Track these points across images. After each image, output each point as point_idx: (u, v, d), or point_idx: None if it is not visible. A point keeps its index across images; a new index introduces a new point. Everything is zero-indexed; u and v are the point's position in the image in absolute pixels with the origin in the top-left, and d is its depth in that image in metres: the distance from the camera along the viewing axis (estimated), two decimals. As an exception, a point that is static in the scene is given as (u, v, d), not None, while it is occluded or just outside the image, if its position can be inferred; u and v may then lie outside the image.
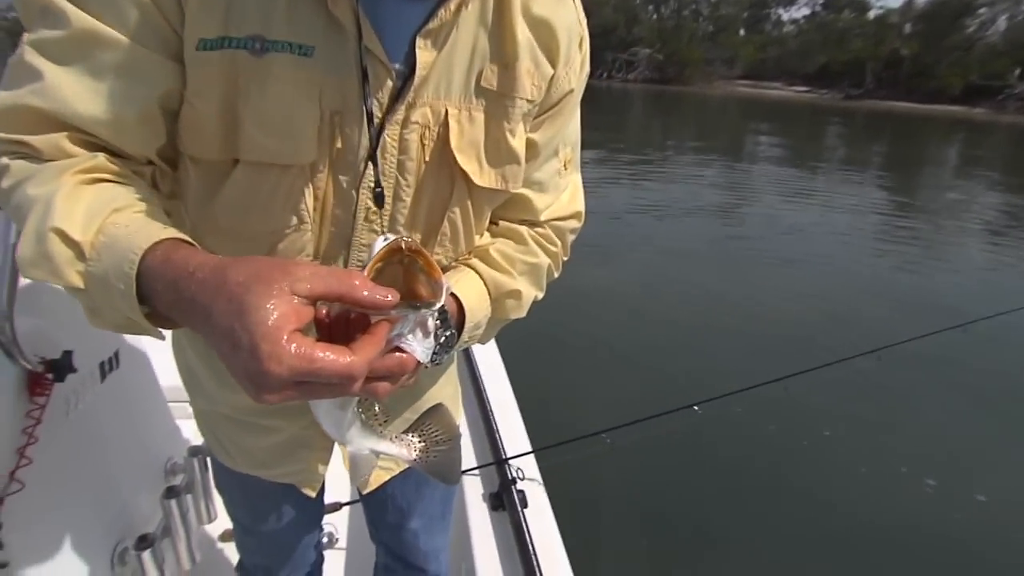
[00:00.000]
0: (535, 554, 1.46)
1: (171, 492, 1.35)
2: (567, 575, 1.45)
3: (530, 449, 1.81)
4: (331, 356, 0.48)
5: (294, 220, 0.74)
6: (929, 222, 10.02)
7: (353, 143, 0.72)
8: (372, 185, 0.75)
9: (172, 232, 0.58)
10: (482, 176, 0.80)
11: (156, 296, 0.55)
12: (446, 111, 0.75)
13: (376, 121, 0.72)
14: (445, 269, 0.90)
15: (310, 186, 0.73)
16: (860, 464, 3.35)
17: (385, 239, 0.72)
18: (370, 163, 0.74)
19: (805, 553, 2.74)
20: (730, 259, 7.02)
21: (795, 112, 37.16)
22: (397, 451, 0.71)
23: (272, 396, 0.48)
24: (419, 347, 0.60)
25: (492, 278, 0.87)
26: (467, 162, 0.78)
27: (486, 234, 0.91)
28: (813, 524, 2.91)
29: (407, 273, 0.59)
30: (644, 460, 3.04)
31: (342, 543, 1.89)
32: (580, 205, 0.99)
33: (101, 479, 1.25)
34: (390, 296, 0.52)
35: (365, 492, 1.13)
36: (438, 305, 0.58)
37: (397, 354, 0.59)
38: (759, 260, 7.07)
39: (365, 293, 0.51)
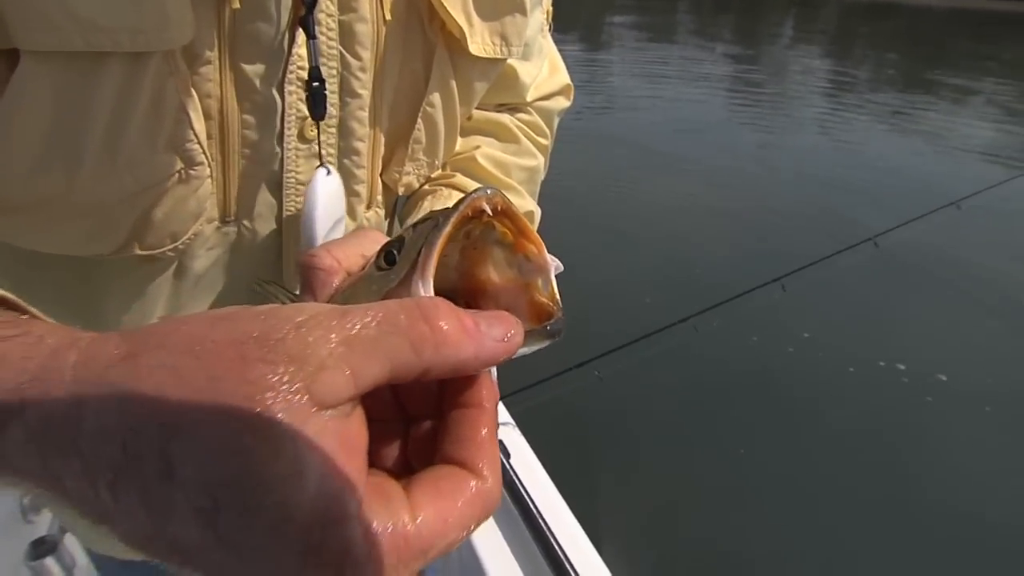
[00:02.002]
0: (536, 507, 1.31)
1: (40, 547, 1.03)
2: (574, 525, 1.34)
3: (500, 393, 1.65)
4: (456, 513, 0.23)
5: (174, 162, 0.44)
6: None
7: None
8: (305, 77, 0.47)
9: None
10: (474, 38, 0.54)
11: None
12: None
13: None
14: (417, 194, 0.64)
15: (192, 92, 0.43)
16: (848, 364, 3.38)
17: (328, 172, 0.51)
18: (298, 34, 0.46)
19: (803, 457, 2.74)
20: (701, 165, 6.70)
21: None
22: None
23: None
24: None
25: None
26: (455, 13, 0.52)
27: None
28: (810, 424, 2.93)
29: (469, 250, 0.33)
30: (627, 388, 2.83)
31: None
32: (566, 75, 0.76)
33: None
34: (513, 332, 0.26)
35: None
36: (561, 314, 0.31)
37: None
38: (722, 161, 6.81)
39: (470, 348, 0.24)
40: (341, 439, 0.21)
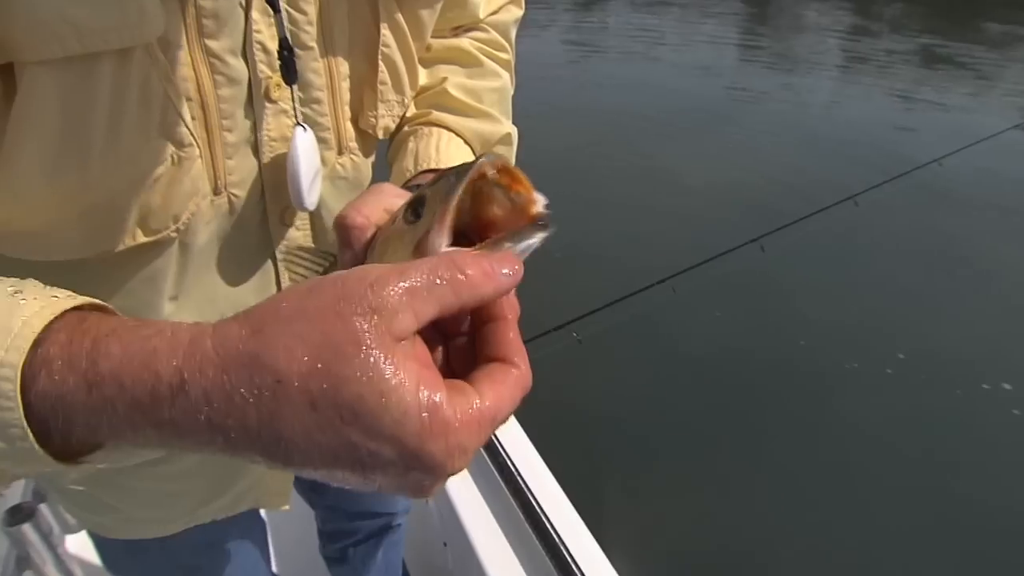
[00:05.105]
0: (518, 471, 1.41)
1: (16, 514, 1.07)
2: (554, 487, 1.43)
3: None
4: (508, 393, 0.34)
5: (166, 147, 0.50)
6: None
7: None
8: (265, 43, 0.53)
9: (38, 293, 0.34)
10: None
11: (84, 432, 0.32)
12: None
13: None
14: (399, 136, 0.70)
15: (172, 78, 0.49)
16: (826, 324, 3.52)
17: (305, 129, 0.58)
18: (253, 3, 0.51)
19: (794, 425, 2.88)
20: (673, 126, 6.73)
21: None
22: None
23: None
24: None
25: (472, 130, 0.70)
26: None
27: (421, 72, 0.73)
28: (787, 385, 3.07)
29: (477, 195, 0.42)
30: (606, 351, 2.95)
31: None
32: None
33: None
34: (517, 267, 0.36)
35: None
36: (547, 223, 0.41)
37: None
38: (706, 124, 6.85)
39: (490, 286, 0.34)
40: (417, 357, 0.32)
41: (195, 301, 0.61)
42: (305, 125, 0.58)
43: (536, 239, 0.39)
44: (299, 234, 0.65)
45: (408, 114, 0.70)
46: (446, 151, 0.66)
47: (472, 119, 0.71)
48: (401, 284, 0.31)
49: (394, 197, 0.48)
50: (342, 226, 0.46)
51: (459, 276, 0.33)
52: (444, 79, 0.71)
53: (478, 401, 0.32)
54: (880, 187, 2.49)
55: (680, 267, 1.88)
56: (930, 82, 8.98)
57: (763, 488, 2.58)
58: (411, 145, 0.67)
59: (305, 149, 0.58)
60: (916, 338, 3.45)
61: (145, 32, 0.44)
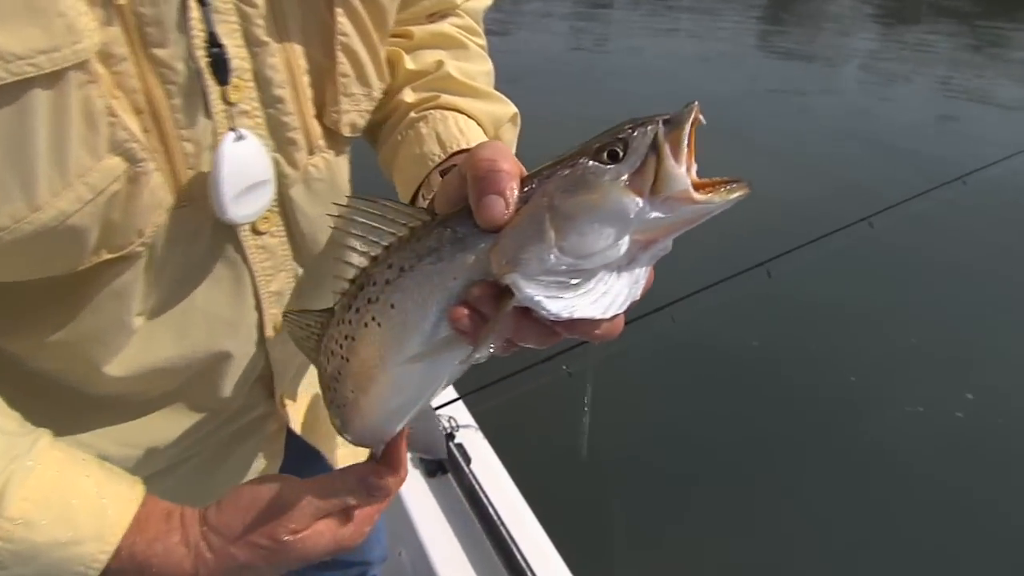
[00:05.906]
0: (500, 519, 1.33)
1: None
2: (542, 539, 1.36)
3: (456, 396, 1.65)
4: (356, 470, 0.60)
5: (118, 163, 0.49)
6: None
7: None
8: (207, 43, 0.52)
9: (123, 507, 0.52)
10: None
11: None
12: None
13: None
14: (405, 121, 0.73)
15: (117, 92, 0.48)
16: (835, 356, 3.42)
17: (238, 136, 0.55)
18: (191, 2, 0.50)
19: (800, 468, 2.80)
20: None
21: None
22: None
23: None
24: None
25: (483, 111, 0.71)
26: None
27: (406, 58, 0.73)
28: (790, 419, 2.99)
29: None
30: (598, 384, 2.84)
31: None
32: None
33: None
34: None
35: None
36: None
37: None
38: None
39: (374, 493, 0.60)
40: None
41: (168, 315, 0.61)
42: (242, 132, 0.56)
43: (739, 197, 0.45)
44: (274, 241, 0.64)
45: (410, 100, 0.70)
46: (468, 132, 0.66)
47: (480, 100, 0.71)
48: (298, 496, 0.55)
49: (511, 154, 0.48)
50: (491, 170, 0.44)
51: (335, 483, 0.57)
52: (440, 62, 0.71)
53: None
54: (897, 207, 2.38)
55: (678, 294, 1.79)
56: (958, 89, 8.83)
57: (784, 538, 2.46)
58: (425, 129, 0.67)
59: (236, 155, 0.55)
60: (983, 375, 3.31)
61: (79, 51, 0.43)
